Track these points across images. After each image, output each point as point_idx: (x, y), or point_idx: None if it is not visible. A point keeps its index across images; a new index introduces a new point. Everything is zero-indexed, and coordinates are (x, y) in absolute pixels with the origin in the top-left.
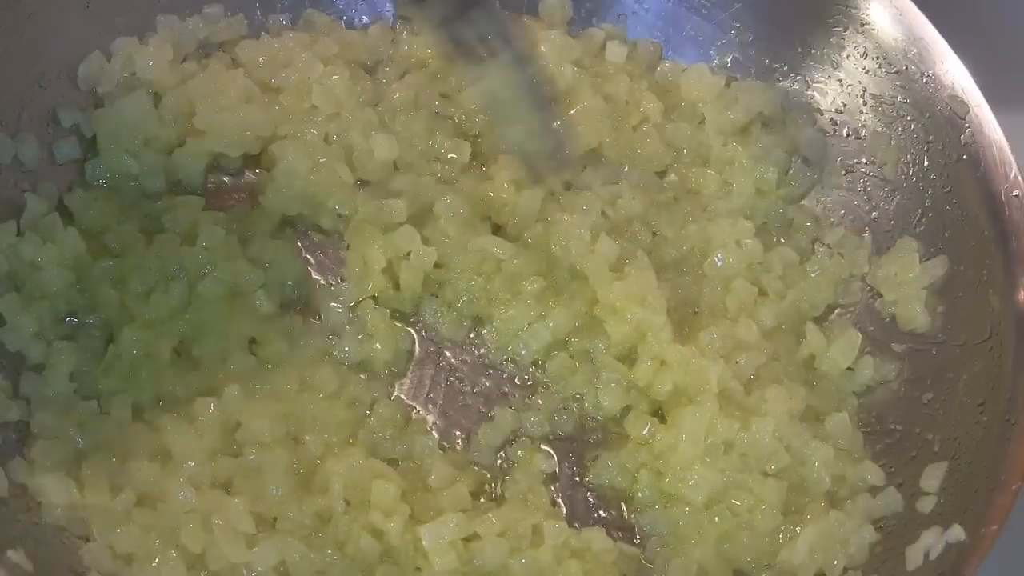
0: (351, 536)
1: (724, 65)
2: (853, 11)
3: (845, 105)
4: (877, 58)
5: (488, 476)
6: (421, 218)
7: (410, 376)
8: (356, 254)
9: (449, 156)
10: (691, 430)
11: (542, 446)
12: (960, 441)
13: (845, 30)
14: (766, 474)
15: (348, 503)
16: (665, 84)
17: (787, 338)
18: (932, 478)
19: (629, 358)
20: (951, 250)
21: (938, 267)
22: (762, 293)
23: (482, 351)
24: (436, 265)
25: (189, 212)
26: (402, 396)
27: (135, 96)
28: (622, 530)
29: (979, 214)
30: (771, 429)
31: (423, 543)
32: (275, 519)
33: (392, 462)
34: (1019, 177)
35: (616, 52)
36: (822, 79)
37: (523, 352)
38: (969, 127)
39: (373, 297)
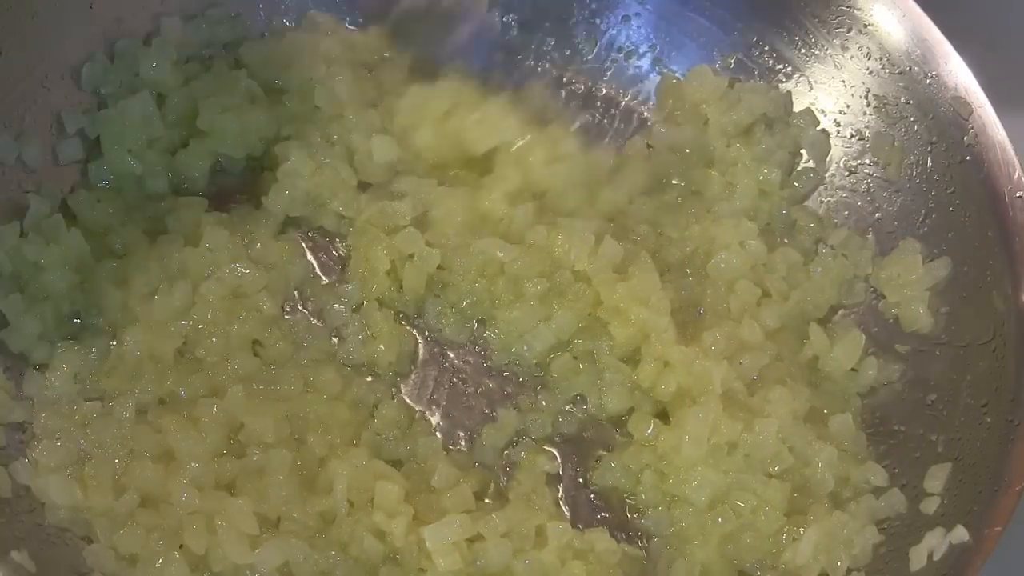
0: (355, 537)
1: (727, 67)
2: (857, 12)
3: (848, 106)
4: (880, 59)
5: (491, 477)
6: (424, 220)
7: (413, 377)
8: (359, 256)
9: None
10: (694, 431)
11: (545, 447)
12: (964, 442)
13: (849, 31)
14: (769, 475)
15: (352, 504)
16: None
17: (790, 339)
18: (935, 479)
19: (633, 359)
20: (954, 251)
21: (941, 268)
22: (765, 294)
23: (485, 352)
24: (439, 267)
25: (192, 213)
26: (405, 397)
27: (138, 97)
28: (625, 531)
29: (982, 215)
30: (774, 430)
31: (426, 544)
32: (279, 520)
33: (396, 463)
34: (1022, 178)
35: None
36: (825, 80)
37: (527, 353)
38: (972, 128)
39: (377, 298)
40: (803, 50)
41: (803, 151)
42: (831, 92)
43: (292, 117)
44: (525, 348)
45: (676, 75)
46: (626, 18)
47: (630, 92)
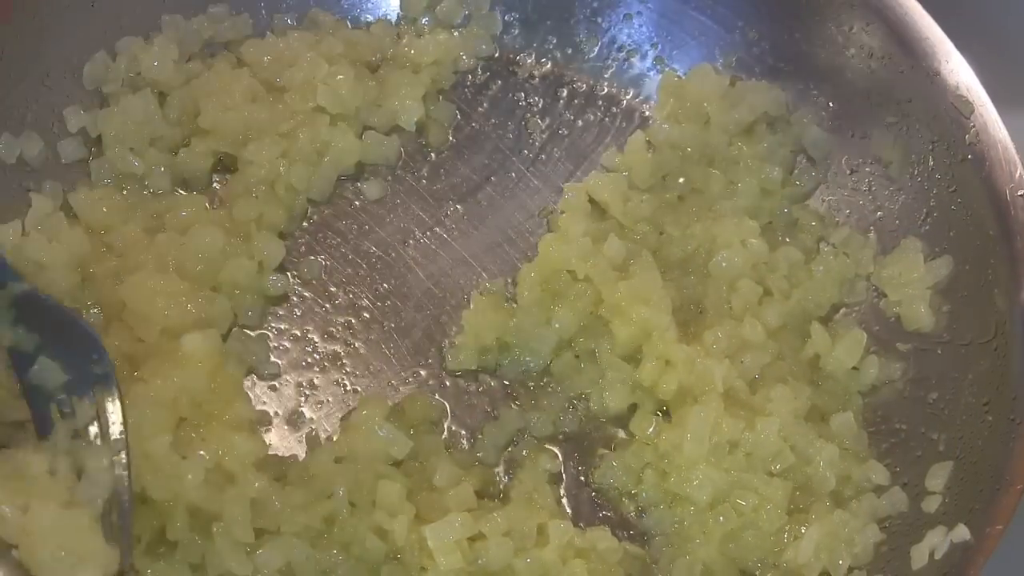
0: (357, 537)
1: (729, 65)
2: (858, 11)
3: (850, 104)
4: (882, 58)
5: (493, 476)
6: None
7: None
8: None
9: None
10: (696, 430)
11: (547, 446)
12: (965, 440)
13: (850, 30)
14: (771, 474)
15: (352, 505)
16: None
17: (792, 337)
18: (937, 477)
19: (634, 358)
20: (956, 250)
21: (943, 267)
22: (767, 293)
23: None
24: None
25: (191, 210)
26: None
27: (140, 96)
28: (627, 529)
29: (984, 214)
30: (776, 429)
31: (428, 543)
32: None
33: (397, 462)
34: None
35: None
36: (827, 78)
37: (535, 363)
38: (974, 127)
39: None
40: (804, 48)
41: (805, 149)
42: (833, 90)
43: (294, 115)
44: (529, 359)
45: (678, 73)
46: (628, 16)
47: (631, 91)
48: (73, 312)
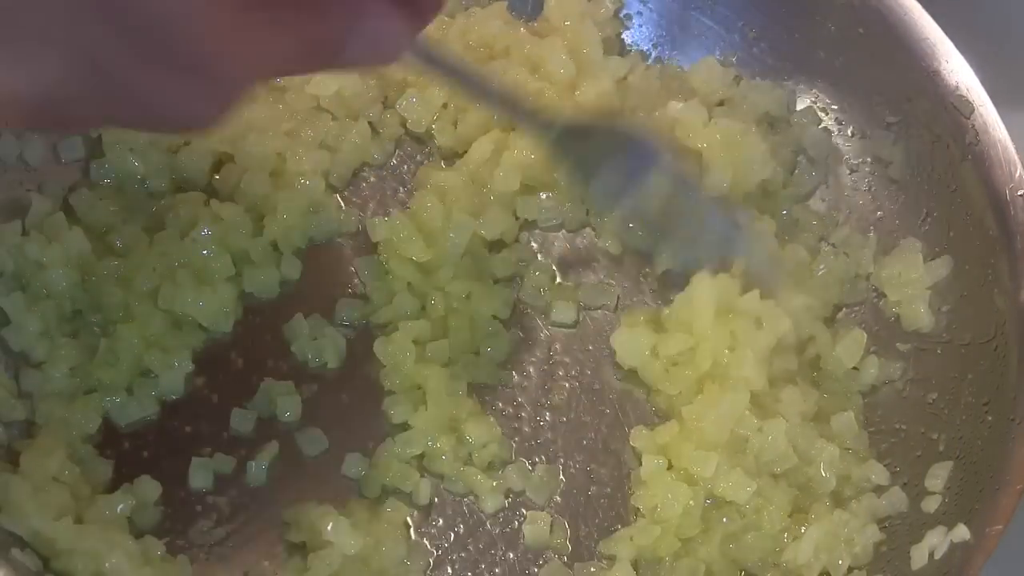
0: None
1: (729, 65)
2: (858, 10)
3: (850, 104)
4: (882, 57)
5: None
6: None
7: None
8: None
9: None
10: (723, 413)
11: None
12: (965, 440)
13: (850, 29)
14: (774, 475)
15: None
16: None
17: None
18: (937, 477)
19: None
20: (956, 250)
21: (942, 267)
22: None
23: None
24: None
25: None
26: None
27: None
28: None
29: (984, 214)
30: (783, 431)
31: None
32: None
33: None
34: None
35: None
36: (827, 78)
37: None
38: (974, 127)
39: None
40: (805, 48)
41: (805, 149)
42: (833, 90)
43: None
44: None
45: None
46: (627, 17)
47: None
48: None
